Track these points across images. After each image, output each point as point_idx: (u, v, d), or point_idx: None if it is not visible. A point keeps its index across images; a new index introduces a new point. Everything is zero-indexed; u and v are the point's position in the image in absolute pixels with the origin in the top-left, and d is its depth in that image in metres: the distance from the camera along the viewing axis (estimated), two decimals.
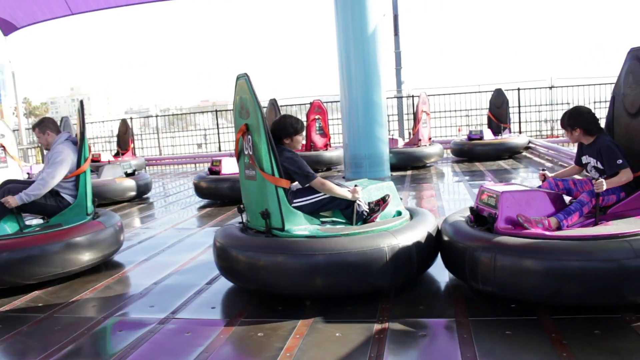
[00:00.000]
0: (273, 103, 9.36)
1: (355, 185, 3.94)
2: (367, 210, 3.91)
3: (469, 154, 11.82)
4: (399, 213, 4.08)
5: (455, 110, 16.81)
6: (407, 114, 16.34)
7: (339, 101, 10.18)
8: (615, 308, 3.12)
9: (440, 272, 4.01)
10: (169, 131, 20.11)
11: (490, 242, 3.26)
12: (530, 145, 12.41)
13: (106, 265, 4.88)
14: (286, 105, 17.84)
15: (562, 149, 10.53)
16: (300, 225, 3.75)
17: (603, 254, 2.95)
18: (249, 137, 3.78)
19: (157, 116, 19.42)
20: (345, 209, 3.96)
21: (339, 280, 3.42)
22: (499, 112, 12.90)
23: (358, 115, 9.54)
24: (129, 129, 14.58)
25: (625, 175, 3.59)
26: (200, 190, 8.24)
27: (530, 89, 16.24)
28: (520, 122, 16.04)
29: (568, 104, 16.36)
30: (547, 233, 3.29)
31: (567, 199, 3.73)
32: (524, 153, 12.29)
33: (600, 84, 15.79)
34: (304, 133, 4.06)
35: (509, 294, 3.25)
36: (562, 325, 2.97)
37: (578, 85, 15.92)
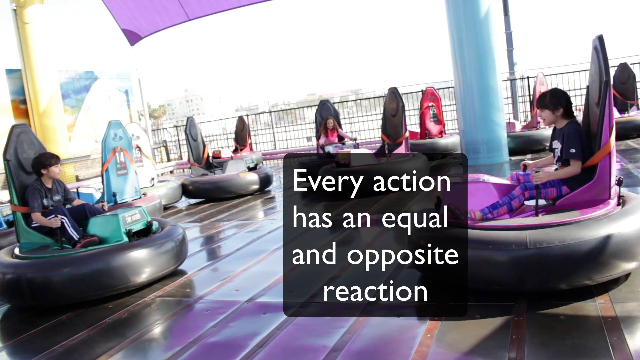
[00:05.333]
0: (393, 91, 9.36)
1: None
2: (77, 237, 4.51)
3: None
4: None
5: (575, 90, 15.96)
6: (522, 95, 15.79)
7: (451, 87, 10.08)
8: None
9: None
10: (279, 126, 20.68)
11: None
12: None
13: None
14: (402, 94, 17.68)
15: None
16: (35, 242, 4.67)
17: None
18: None
19: (270, 112, 20.08)
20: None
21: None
22: (624, 88, 12.11)
23: (474, 101, 9.40)
24: (246, 126, 15.12)
25: (572, 168, 3.59)
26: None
27: None
28: None
29: None
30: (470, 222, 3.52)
31: None
32: None
33: None
34: (59, 165, 4.82)
35: None
36: None
37: None
